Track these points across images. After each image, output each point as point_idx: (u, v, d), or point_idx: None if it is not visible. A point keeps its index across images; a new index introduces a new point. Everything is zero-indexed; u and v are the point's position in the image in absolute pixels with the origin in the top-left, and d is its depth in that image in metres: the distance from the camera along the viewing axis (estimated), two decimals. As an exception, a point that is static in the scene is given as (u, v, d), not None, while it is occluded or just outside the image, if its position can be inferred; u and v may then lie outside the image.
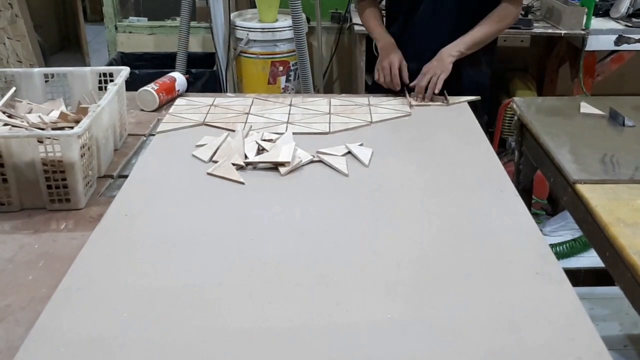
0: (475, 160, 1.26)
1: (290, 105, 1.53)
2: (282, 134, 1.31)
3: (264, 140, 1.27)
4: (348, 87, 2.89)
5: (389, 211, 1.05)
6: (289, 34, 2.47)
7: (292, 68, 2.57)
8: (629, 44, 2.32)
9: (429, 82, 1.51)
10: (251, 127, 1.36)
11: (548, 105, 1.68)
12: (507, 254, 0.93)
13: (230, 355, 0.73)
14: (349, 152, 1.25)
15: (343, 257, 0.92)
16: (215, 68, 2.58)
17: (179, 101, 1.55)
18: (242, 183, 1.11)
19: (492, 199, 1.09)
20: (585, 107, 1.61)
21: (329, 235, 0.97)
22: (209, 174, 1.14)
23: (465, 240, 0.97)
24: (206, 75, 2.55)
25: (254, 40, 2.49)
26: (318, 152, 1.23)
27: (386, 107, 1.54)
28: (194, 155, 1.22)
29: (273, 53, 2.52)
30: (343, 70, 2.94)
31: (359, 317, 0.79)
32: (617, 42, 2.33)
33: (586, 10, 2.29)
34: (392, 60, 1.55)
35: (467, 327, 0.77)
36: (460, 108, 1.54)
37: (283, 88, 2.58)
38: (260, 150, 1.23)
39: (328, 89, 2.91)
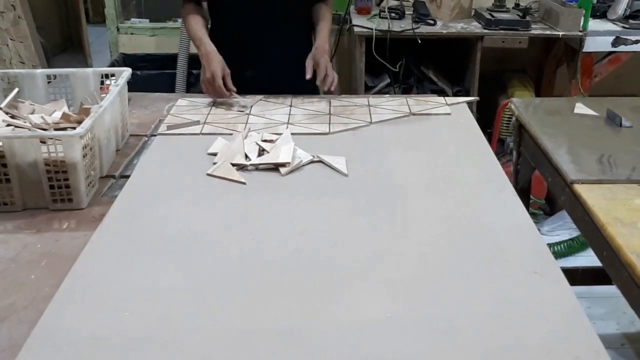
0: (474, 160, 1.27)
1: (291, 106, 1.54)
2: (281, 134, 1.32)
3: (264, 141, 1.28)
4: (348, 88, 2.89)
5: (388, 211, 1.06)
6: (288, 35, 2.47)
7: (292, 69, 2.57)
8: (626, 45, 2.34)
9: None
10: (250, 128, 1.37)
11: (546, 106, 1.69)
12: (506, 254, 0.94)
13: (230, 354, 0.73)
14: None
15: (343, 256, 0.93)
16: (215, 69, 2.58)
17: (180, 102, 1.55)
18: (244, 183, 1.12)
19: (491, 199, 1.10)
20: (580, 108, 1.62)
21: (329, 235, 0.98)
22: (208, 175, 1.15)
23: (464, 239, 0.98)
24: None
25: (254, 42, 2.50)
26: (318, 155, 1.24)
27: (386, 107, 1.55)
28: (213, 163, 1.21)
29: (273, 54, 2.52)
30: (343, 71, 2.94)
31: (359, 315, 0.80)
32: (615, 43, 2.34)
33: (584, 11, 2.30)
34: (214, 71, 1.45)
35: (466, 326, 0.78)
36: (460, 109, 1.55)
37: (283, 89, 2.58)
38: (261, 151, 1.24)
39: (328, 90, 2.91)
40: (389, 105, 1.57)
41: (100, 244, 0.94)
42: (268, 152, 1.22)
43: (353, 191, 1.12)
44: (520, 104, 1.67)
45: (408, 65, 2.52)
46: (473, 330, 0.77)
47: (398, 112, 1.51)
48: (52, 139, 1.01)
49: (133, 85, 1.41)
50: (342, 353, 0.74)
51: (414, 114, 1.51)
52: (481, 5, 2.59)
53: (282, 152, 1.20)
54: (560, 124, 1.52)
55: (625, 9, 2.42)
